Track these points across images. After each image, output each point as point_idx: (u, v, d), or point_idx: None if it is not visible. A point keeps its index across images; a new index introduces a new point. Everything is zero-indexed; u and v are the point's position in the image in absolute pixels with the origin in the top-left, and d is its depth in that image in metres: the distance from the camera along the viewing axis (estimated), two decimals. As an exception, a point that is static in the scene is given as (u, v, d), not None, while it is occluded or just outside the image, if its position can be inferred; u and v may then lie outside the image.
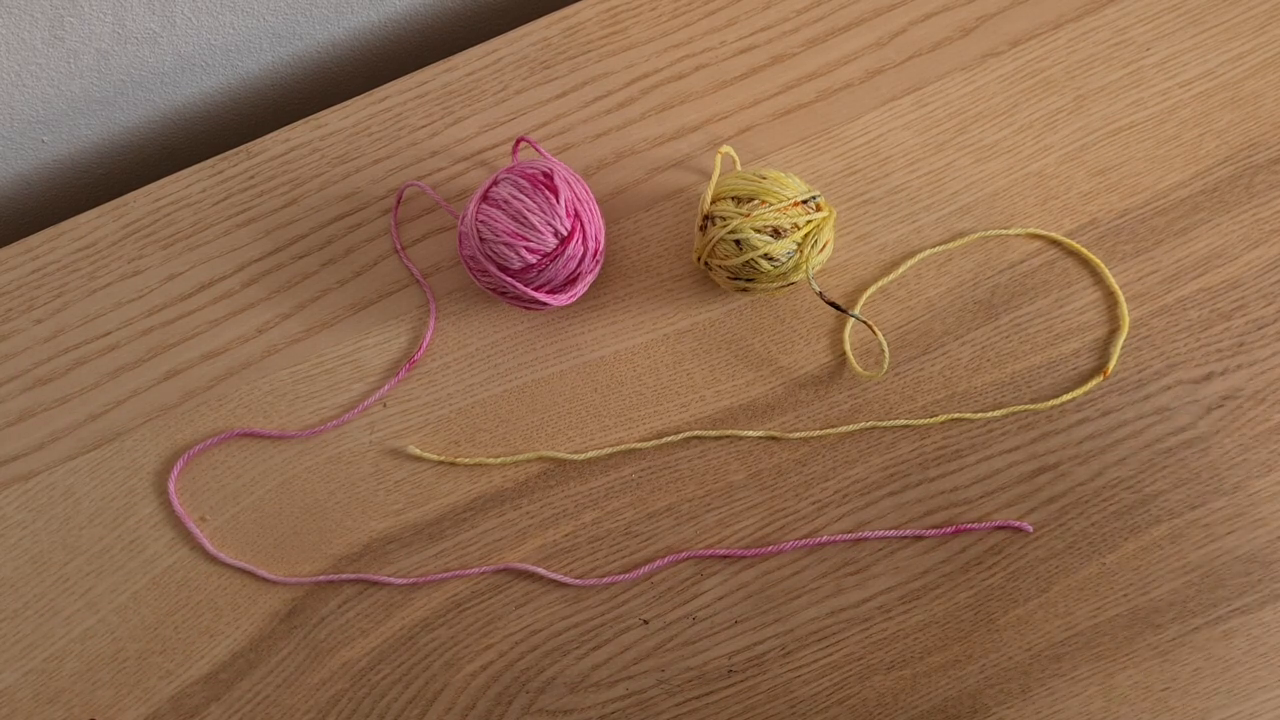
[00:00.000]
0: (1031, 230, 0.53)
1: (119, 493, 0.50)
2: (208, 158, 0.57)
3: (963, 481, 0.49)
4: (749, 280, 0.49)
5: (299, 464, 0.51)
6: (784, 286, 0.50)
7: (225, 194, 0.56)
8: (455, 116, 0.57)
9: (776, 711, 0.47)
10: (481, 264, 0.48)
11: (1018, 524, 0.48)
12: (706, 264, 0.50)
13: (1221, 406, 0.50)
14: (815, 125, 0.56)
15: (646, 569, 0.48)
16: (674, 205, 0.55)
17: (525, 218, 0.47)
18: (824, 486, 0.49)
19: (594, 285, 0.52)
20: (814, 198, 0.48)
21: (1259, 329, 0.51)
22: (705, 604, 0.48)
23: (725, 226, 0.47)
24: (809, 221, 0.48)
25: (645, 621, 0.48)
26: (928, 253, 0.53)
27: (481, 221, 0.48)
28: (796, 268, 0.48)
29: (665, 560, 0.48)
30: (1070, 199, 0.53)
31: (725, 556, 0.49)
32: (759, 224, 0.47)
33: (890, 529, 0.49)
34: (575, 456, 0.50)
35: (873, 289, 0.52)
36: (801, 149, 0.55)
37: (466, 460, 0.50)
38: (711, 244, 0.48)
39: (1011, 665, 0.47)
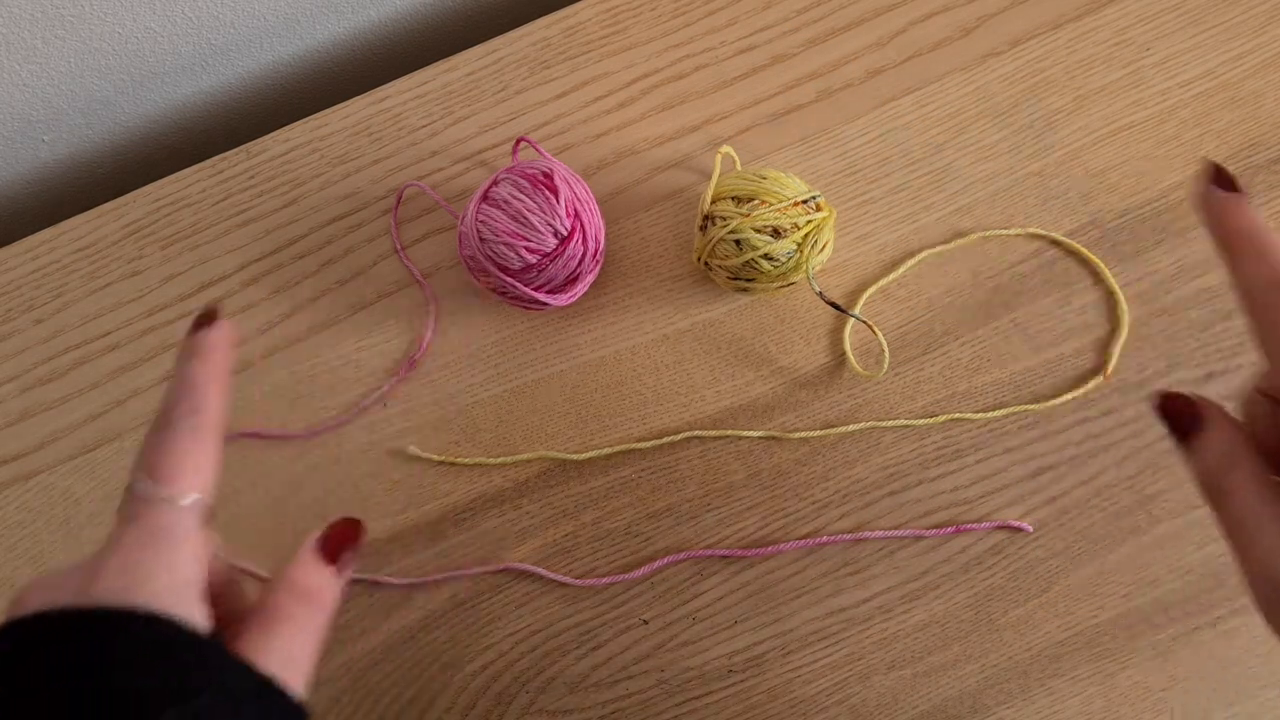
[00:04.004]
0: (1031, 230, 0.53)
1: (119, 493, 0.50)
2: (208, 158, 0.57)
3: (963, 481, 0.49)
4: (749, 280, 0.49)
5: (299, 464, 0.51)
6: (784, 286, 0.50)
7: (225, 194, 0.56)
8: (455, 116, 0.57)
9: (776, 711, 0.47)
10: (481, 264, 0.48)
11: (1018, 524, 0.48)
12: (706, 264, 0.50)
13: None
14: (815, 125, 0.56)
15: (646, 569, 0.48)
16: (674, 205, 0.55)
17: (525, 218, 0.47)
18: (824, 486, 0.49)
19: (594, 285, 0.52)
20: (814, 198, 0.48)
21: (1259, 329, 0.51)
22: (705, 604, 0.48)
23: (725, 226, 0.47)
24: (809, 221, 0.48)
25: (645, 621, 0.48)
26: (928, 253, 0.53)
27: (481, 221, 0.48)
28: (796, 268, 0.48)
29: (665, 560, 0.48)
30: (1070, 199, 0.53)
31: (725, 556, 0.49)
32: (759, 224, 0.47)
33: (890, 529, 0.49)
34: (575, 456, 0.50)
35: (873, 289, 0.52)
36: (801, 149, 0.55)
37: (466, 460, 0.50)
38: (711, 244, 0.48)
39: (1011, 665, 0.47)
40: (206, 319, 0.33)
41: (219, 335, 0.33)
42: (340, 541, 0.32)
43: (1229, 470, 0.30)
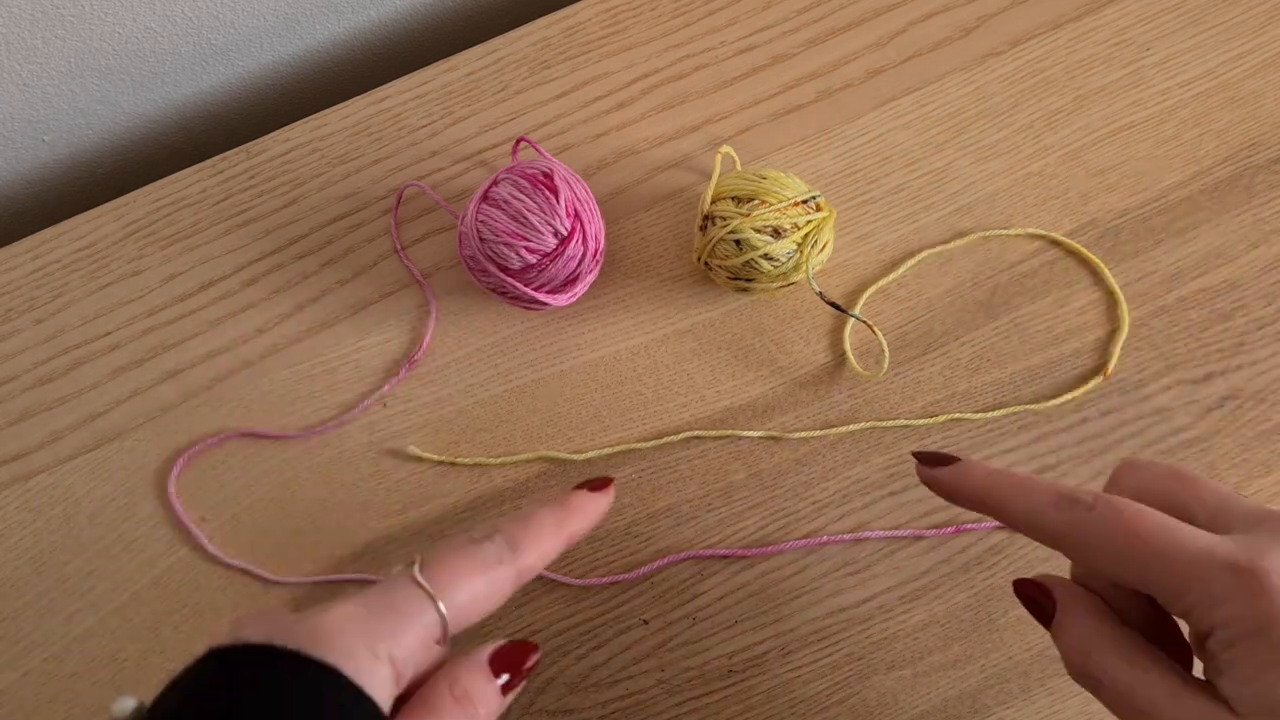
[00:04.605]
0: (1031, 230, 0.53)
1: (119, 493, 0.50)
2: (208, 158, 0.57)
3: (963, 481, 0.49)
4: (749, 280, 0.49)
5: (299, 464, 0.51)
6: (784, 286, 0.50)
7: (225, 194, 0.56)
8: (455, 116, 0.57)
9: (776, 711, 0.47)
10: (481, 264, 0.48)
11: (1018, 524, 0.48)
12: (706, 264, 0.50)
13: (1221, 407, 0.50)
14: (815, 125, 0.56)
15: (646, 569, 0.48)
16: (674, 205, 0.55)
17: (525, 218, 0.47)
18: (824, 486, 0.49)
19: (594, 285, 0.52)
20: (814, 198, 0.48)
21: (1259, 329, 0.51)
22: (705, 604, 0.48)
23: (725, 226, 0.48)
24: (809, 221, 0.48)
25: (645, 621, 0.48)
26: (927, 253, 0.53)
27: (481, 221, 0.48)
28: (796, 268, 0.48)
29: (665, 560, 0.48)
30: (1070, 199, 0.53)
31: (725, 556, 0.49)
32: (759, 224, 0.47)
33: (890, 529, 0.49)
34: (575, 456, 0.50)
35: (873, 289, 0.52)
36: (801, 149, 0.55)
37: (466, 460, 0.50)
38: (711, 244, 0.48)
39: (1011, 665, 0.47)
40: (599, 484, 0.35)
41: (590, 502, 0.34)
42: (511, 657, 0.32)
43: (1091, 653, 0.30)
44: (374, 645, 0.28)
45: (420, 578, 0.30)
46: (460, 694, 0.29)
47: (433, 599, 0.29)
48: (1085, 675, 0.30)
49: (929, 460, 0.35)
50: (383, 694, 0.27)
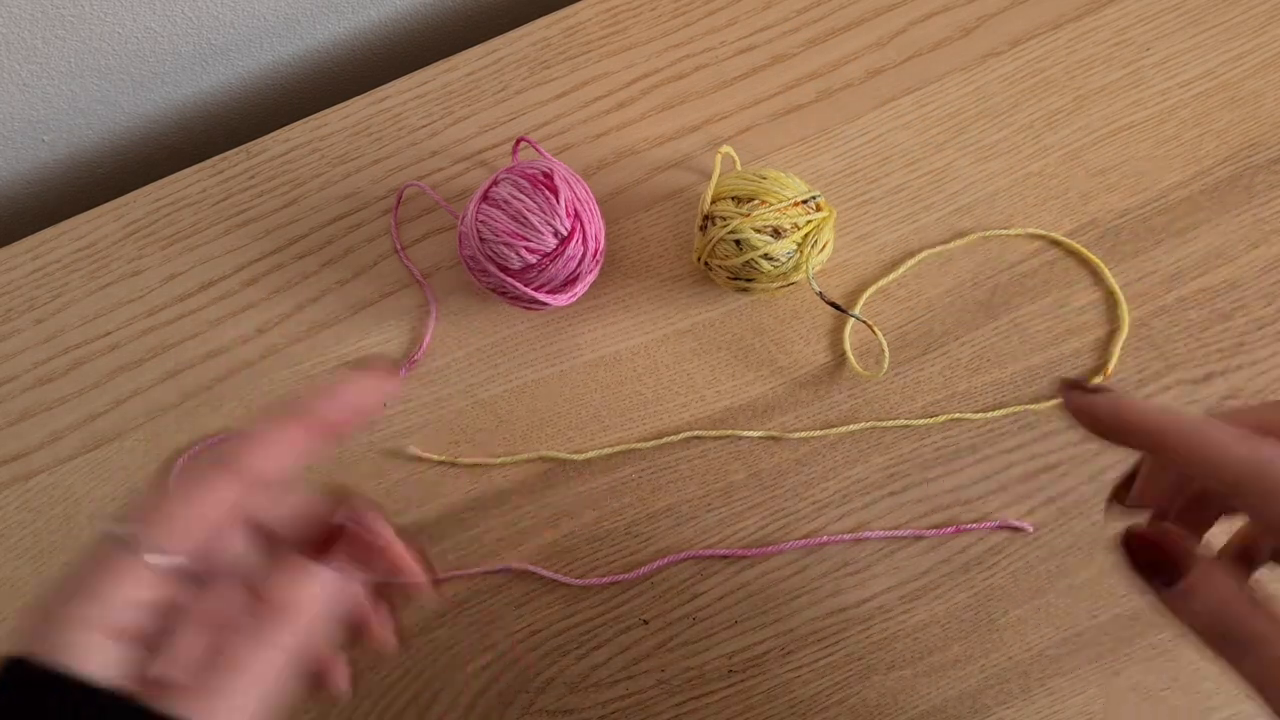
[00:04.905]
0: (1031, 230, 0.53)
1: (119, 493, 0.50)
2: (208, 158, 0.57)
3: (963, 481, 0.49)
4: (749, 280, 0.49)
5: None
6: (784, 286, 0.50)
7: (225, 194, 0.56)
8: (455, 116, 0.57)
9: (776, 711, 0.47)
10: (481, 264, 0.48)
11: (1018, 524, 0.48)
12: (706, 264, 0.50)
13: (1221, 407, 0.50)
14: (815, 125, 0.56)
15: (646, 569, 0.48)
16: (674, 205, 0.55)
17: (525, 218, 0.47)
18: (824, 486, 0.49)
19: (594, 285, 0.52)
20: (814, 198, 0.48)
21: (1259, 329, 0.51)
22: (705, 604, 0.48)
23: (725, 226, 0.47)
24: (809, 221, 0.48)
25: (645, 621, 0.48)
26: (927, 253, 0.53)
27: (481, 221, 0.48)
28: (796, 268, 0.48)
29: (665, 560, 0.48)
30: (1070, 199, 0.53)
31: (725, 556, 0.49)
32: (759, 224, 0.47)
33: (890, 529, 0.49)
34: (575, 456, 0.50)
35: (873, 289, 0.52)
36: (801, 149, 0.55)
37: (466, 460, 0.50)
38: (711, 244, 0.48)
39: (1011, 665, 0.47)
40: (371, 366, 0.29)
41: (343, 377, 0.29)
42: (346, 523, 0.26)
43: (1243, 617, 0.27)
44: (79, 617, 0.25)
45: (114, 527, 0.26)
46: (261, 609, 0.25)
47: (127, 542, 0.25)
48: (1229, 640, 0.27)
49: (1079, 388, 0.29)
50: (99, 662, 0.25)
